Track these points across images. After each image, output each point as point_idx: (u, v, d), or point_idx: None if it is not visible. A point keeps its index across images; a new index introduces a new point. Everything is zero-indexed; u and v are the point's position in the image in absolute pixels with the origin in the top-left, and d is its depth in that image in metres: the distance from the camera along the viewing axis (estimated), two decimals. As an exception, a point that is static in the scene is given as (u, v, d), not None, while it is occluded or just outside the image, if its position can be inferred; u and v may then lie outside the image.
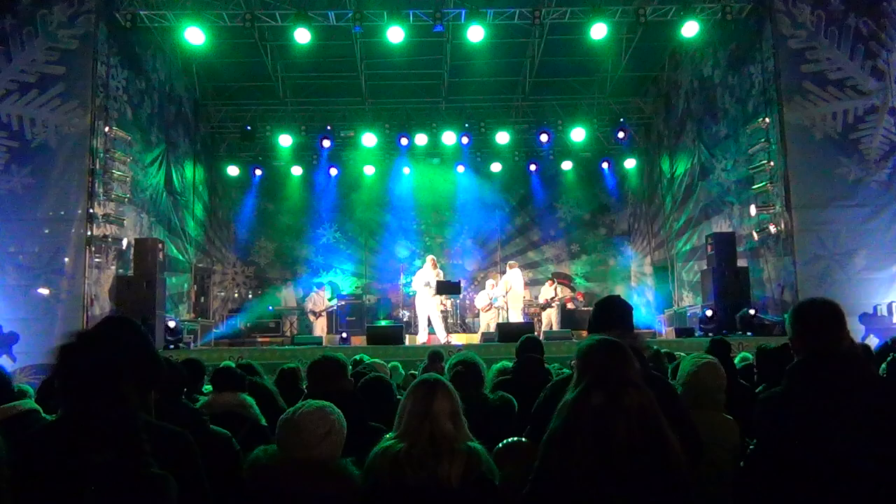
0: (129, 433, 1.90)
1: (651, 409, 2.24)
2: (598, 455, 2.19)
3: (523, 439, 2.94)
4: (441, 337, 13.78)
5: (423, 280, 13.95)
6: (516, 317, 14.71)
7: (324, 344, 13.24)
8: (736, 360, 6.14)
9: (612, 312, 3.14)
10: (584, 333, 10.43)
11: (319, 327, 15.26)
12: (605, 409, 2.23)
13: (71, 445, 1.88)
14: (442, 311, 16.03)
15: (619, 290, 18.86)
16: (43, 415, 3.27)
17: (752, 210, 13.04)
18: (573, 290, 17.82)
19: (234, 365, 5.60)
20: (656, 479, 2.20)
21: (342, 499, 2.51)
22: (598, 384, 2.29)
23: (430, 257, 14.65)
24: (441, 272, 14.50)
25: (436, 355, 6.60)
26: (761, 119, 12.58)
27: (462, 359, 4.21)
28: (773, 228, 12.33)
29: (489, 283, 16.13)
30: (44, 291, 11.21)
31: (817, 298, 2.72)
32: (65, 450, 1.88)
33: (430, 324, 14.02)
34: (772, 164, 12.34)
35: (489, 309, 15.51)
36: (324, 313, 15.40)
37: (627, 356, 2.37)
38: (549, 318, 15.68)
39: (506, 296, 15.01)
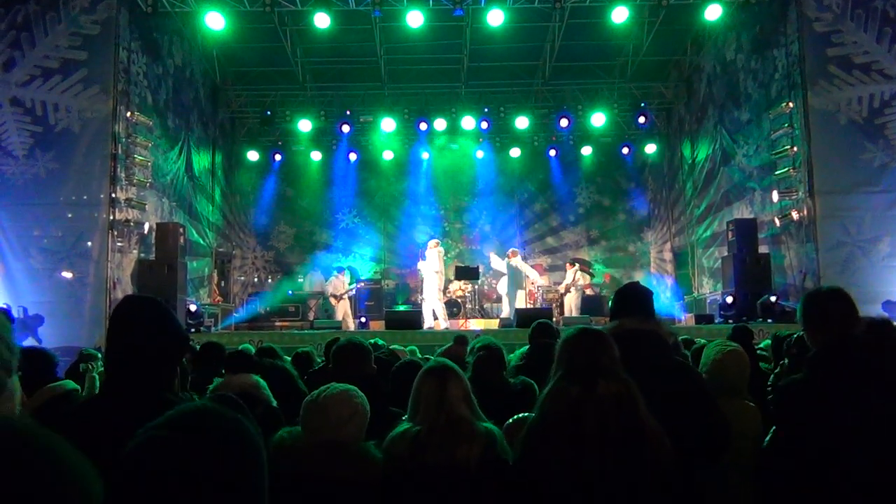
0: (154, 411, 1.94)
1: (628, 399, 2.23)
2: (575, 446, 2.19)
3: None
4: (442, 323, 13.86)
5: (431, 265, 14.17)
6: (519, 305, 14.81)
7: (342, 328, 13.33)
8: (762, 345, 6.12)
9: (632, 299, 3.13)
10: (604, 320, 10.42)
11: (342, 311, 15.34)
12: (580, 400, 2.23)
13: (101, 422, 1.91)
14: (460, 297, 16.14)
15: (639, 277, 18.79)
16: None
17: (775, 196, 12.92)
18: (592, 275, 17.75)
19: (252, 349, 5.71)
20: (635, 470, 2.20)
21: (365, 481, 2.55)
22: (573, 374, 2.30)
23: (431, 241, 14.97)
24: (442, 250, 14.97)
25: (462, 339, 6.65)
26: (785, 104, 12.41)
27: (485, 343, 4.24)
28: (795, 214, 12.20)
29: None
30: (67, 275, 11.35)
31: (824, 288, 2.74)
32: (94, 426, 1.92)
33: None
34: (795, 149, 12.19)
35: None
36: (345, 297, 15.47)
37: (604, 345, 2.37)
38: (570, 304, 15.66)
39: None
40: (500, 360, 4.16)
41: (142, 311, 2.20)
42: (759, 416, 3.33)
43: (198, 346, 5.48)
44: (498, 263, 15.48)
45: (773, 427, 2.74)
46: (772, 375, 4.64)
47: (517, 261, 15.11)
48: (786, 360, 4.43)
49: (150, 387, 2.04)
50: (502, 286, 15.31)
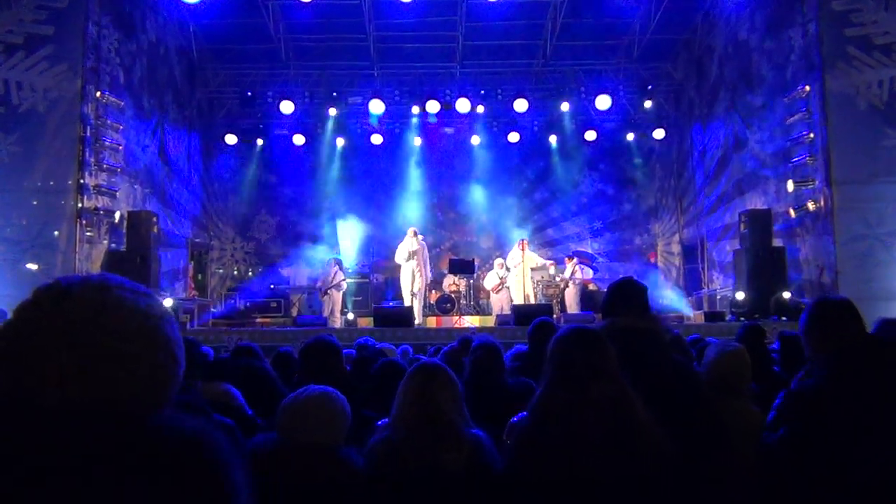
0: None
1: (623, 402, 2.26)
2: (568, 453, 2.22)
3: None
4: (417, 317, 14.01)
5: (405, 253, 14.45)
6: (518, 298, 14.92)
7: (328, 325, 13.35)
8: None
9: (625, 295, 3.16)
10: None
11: (329, 306, 15.37)
12: (573, 404, 2.25)
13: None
14: (454, 292, 16.21)
15: (645, 271, 18.86)
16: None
17: (790, 185, 12.95)
18: (594, 269, 17.79)
19: (211, 351, 5.70)
20: (631, 477, 2.22)
21: (345, 485, 2.58)
22: (565, 377, 2.32)
23: (410, 228, 15.20)
24: (423, 242, 15.36)
25: (466, 341, 6.59)
26: (801, 87, 12.45)
27: (483, 342, 4.26)
28: (811, 205, 12.25)
29: (497, 262, 16.22)
30: (32, 266, 11.34)
31: (830, 298, 2.81)
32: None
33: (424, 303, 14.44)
34: (812, 135, 12.23)
35: (500, 289, 15.66)
36: (332, 291, 15.49)
37: (598, 346, 2.39)
38: (571, 300, 15.74)
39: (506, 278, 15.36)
40: (499, 359, 4.19)
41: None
42: (759, 419, 3.37)
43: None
44: (513, 258, 15.53)
45: (780, 430, 2.78)
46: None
47: (529, 252, 15.33)
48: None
49: None
50: (516, 278, 15.35)
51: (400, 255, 15.12)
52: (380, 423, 2.85)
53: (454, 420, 2.63)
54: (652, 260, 17.40)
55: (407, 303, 14.58)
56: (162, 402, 1.14)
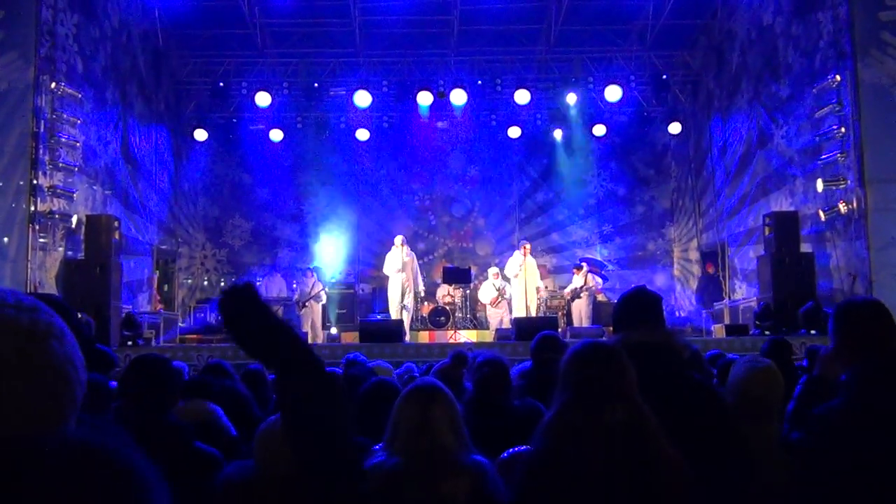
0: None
1: (642, 427, 2.24)
2: (580, 483, 2.20)
3: None
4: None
5: (398, 263, 14.51)
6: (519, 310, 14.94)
7: (308, 340, 13.31)
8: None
9: (638, 307, 3.15)
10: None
11: (308, 320, 15.34)
12: (588, 429, 2.24)
13: None
14: (449, 304, 16.19)
15: (660, 280, 18.90)
16: None
17: (819, 185, 12.98)
18: (603, 279, 17.79)
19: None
20: None
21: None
22: (580, 398, 2.30)
23: (398, 237, 15.30)
24: (412, 253, 15.59)
25: (461, 357, 6.54)
26: (831, 76, 12.49)
27: (489, 359, 4.23)
28: (843, 207, 12.26)
29: (492, 271, 16.17)
30: (-22, 277, 11.29)
31: (859, 300, 2.77)
32: None
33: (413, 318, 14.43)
34: (843, 130, 12.25)
35: (499, 302, 15.62)
36: (310, 303, 15.46)
37: (617, 364, 2.37)
38: (580, 313, 15.71)
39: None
40: (506, 379, 4.18)
41: None
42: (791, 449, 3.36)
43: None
44: (512, 267, 15.43)
45: (805, 458, 2.77)
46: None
47: (531, 259, 15.32)
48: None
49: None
50: (516, 289, 15.30)
51: (388, 267, 15.16)
52: (376, 447, 2.83)
53: (454, 446, 2.61)
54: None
55: (395, 316, 14.57)
56: (53, 426, 1.12)
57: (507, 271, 15.56)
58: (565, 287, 16.64)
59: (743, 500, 2.87)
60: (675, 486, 2.24)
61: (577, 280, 15.93)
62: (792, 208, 13.81)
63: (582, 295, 15.76)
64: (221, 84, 17.52)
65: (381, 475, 2.54)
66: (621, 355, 2.41)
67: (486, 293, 16.07)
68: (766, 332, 11.72)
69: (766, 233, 13.25)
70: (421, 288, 15.91)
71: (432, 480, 2.54)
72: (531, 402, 4.14)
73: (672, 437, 2.30)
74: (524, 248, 15.34)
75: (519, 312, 14.72)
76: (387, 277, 15.43)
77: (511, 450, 2.97)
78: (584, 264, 16.41)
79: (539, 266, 17.61)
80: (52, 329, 1.17)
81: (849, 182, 12.18)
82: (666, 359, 2.88)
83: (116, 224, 12.79)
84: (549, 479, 2.26)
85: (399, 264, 14.91)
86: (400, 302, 14.89)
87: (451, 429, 2.65)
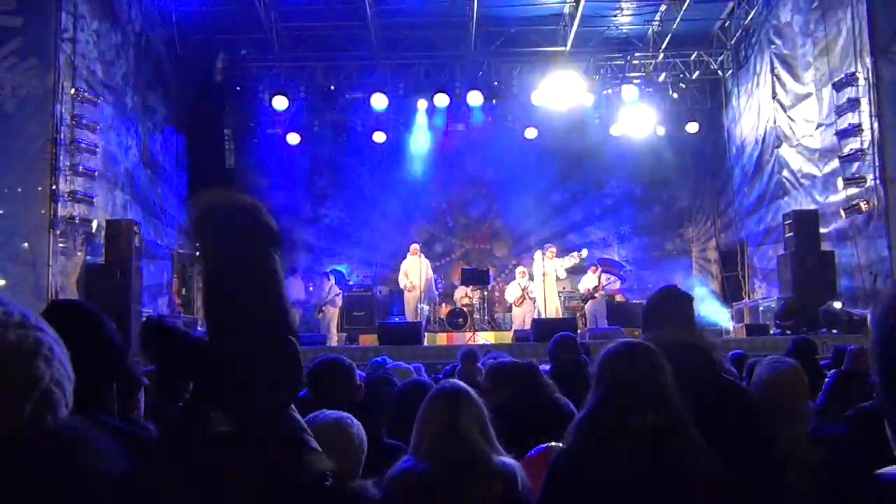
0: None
1: (676, 428, 2.22)
2: (617, 485, 2.18)
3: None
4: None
5: (408, 276, 14.89)
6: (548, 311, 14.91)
7: (329, 343, 13.35)
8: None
9: (668, 306, 3.13)
10: (636, 333, 10.41)
11: (325, 324, 15.37)
12: (623, 430, 2.22)
13: None
14: (467, 305, 16.17)
15: (678, 280, 18.77)
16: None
17: (839, 183, 12.90)
18: (621, 280, 17.69)
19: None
20: None
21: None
22: (612, 398, 2.29)
23: (413, 245, 15.60)
24: (427, 261, 15.76)
25: (470, 356, 6.56)
26: (851, 74, 12.41)
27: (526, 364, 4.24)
28: (864, 205, 12.19)
29: (518, 270, 16.16)
30: None
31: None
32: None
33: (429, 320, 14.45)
34: (863, 128, 12.18)
35: (522, 302, 15.58)
36: (327, 307, 15.48)
37: (651, 363, 2.36)
38: (594, 313, 15.66)
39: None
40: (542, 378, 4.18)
41: (71, 318, 2.20)
42: (818, 448, 3.33)
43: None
44: (537, 267, 15.47)
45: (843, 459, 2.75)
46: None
47: (556, 261, 15.28)
48: None
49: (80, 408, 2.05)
50: (538, 289, 15.28)
51: (403, 281, 15.62)
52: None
53: (484, 449, 2.59)
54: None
55: (411, 318, 14.61)
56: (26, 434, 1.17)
57: (533, 270, 15.57)
58: (580, 286, 16.53)
59: (770, 499, 2.85)
60: (710, 488, 2.22)
61: (591, 280, 15.85)
62: (812, 207, 13.72)
63: (596, 295, 15.69)
64: (238, 88, 17.55)
65: (409, 480, 2.53)
66: (658, 356, 2.39)
67: (511, 292, 16.05)
68: (787, 332, 11.65)
69: (786, 232, 13.19)
70: (435, 293, 15.98)
71: (464, 486, 2.52)
72: (561, 399, 4.10)
73: (704, 437, 2.28)
74: (550, 250, 15.29)
75: (545, 314, 14.69)
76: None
77: (538, 447, 2.97)
78: (598, 265, 16.31)
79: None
80: (40, 348, 1.19)
81: (869, 180, 12.10)
82: (697, 359, 2.86)
83: (136, 229, 12.85)
84: (581, 478, 2.25)
85: (414, 277, 15.25)
86: (416, 306, 14.98)
87: (478, 430, 2.63)
